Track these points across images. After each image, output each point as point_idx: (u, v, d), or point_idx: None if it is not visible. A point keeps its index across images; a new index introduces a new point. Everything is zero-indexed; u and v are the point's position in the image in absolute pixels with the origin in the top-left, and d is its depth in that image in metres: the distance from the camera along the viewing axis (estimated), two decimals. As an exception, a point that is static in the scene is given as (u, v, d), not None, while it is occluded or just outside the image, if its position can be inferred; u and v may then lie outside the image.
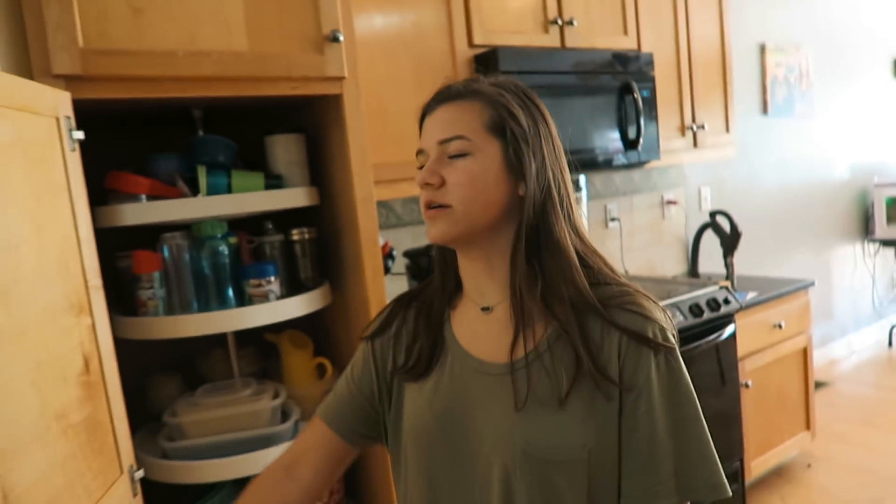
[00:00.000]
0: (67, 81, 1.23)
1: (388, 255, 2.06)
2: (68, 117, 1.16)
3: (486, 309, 0.84)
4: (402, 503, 0.90)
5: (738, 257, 3.10)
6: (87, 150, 1.23)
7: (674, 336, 0.81)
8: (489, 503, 0.79)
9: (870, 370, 3.96)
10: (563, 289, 0.79)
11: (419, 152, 0.84)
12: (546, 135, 0.83)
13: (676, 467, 0.76)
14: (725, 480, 0.78)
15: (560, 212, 0.81)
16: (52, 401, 0.98)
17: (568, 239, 0.81)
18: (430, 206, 0.81)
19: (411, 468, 0.86)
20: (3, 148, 0.95)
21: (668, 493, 0.76)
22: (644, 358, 0.77)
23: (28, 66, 1.22)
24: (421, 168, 0.83)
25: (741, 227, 2.93)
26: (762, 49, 3.56)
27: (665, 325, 0.79)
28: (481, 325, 0.84)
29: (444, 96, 0.84)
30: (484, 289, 0.84)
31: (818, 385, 3.71)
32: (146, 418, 1.62)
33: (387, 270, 2.05)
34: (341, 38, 1.48)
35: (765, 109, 3.61)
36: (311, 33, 1.46)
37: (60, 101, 1.15)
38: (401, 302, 0.93)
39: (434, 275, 0.91)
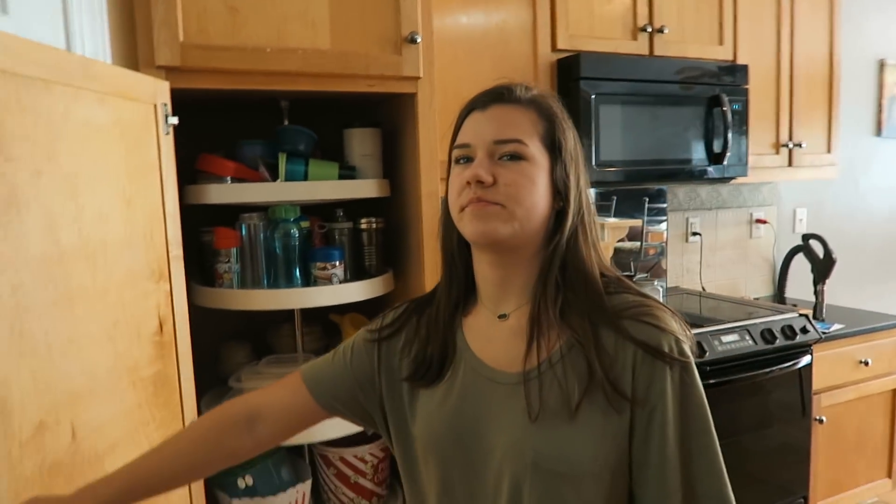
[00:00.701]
0: (168, 72, 1.37)
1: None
2: (165, 104, 1.29)
3: (503, 316, 0.84)
4: (414, 502, 0.90)
5: (835, 286, 2.92)
6: (183, 132, 1.36)
7: (691, 348, 0.79)
8: None
9: (978, 422, 3.61)
10: (582, 302, 0.79)
11: (463, 145, 0.82)
12: (582, 156, 0.85)
13: (683, 479, 0.76)
14: (731, 494, 0.78)
15: (589, 231, 0.83)
16: (126, 355, 1.11)
17: (593, 257, 0.82)
18: (477, 200, 0.78)
19: (426, 472, 0.86)
20: (102, 130, 1.09)
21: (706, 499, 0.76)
22: (658, 372, 0.76)
23: (135, 57, 1.37)
24: (459, 161, 0.82)
25: (840, 254, 2.77)
26: (881, 65, 3.31)
27: (681, 337, 0.78)
28: (495, 333, 0.84)
29: (504, 97, 0.83)
30: (501, 296, 0.84)
31: (913, 430, 3.44)
32: (217, 382, 1.77)
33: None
34: (419, 39, 1.54)
35: (879, 130, 3.36)
36: (390, 34, 1.53)
37: (159, 90, 1.28)
38: (413, 305, 0.92)
39: (442, 278, 0.90)
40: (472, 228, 0.79)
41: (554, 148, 0.81)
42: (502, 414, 0.79)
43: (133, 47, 1.37)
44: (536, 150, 0.80)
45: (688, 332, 0.80)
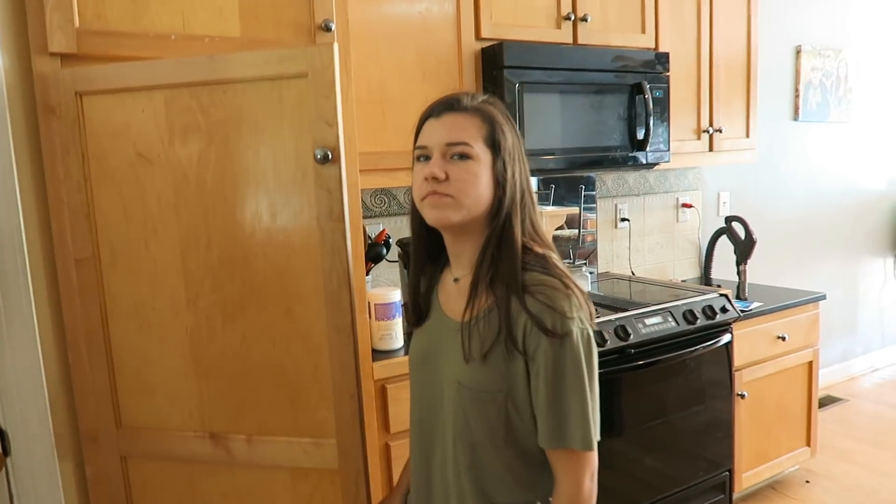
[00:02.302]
0: (63, 59, 1.30)
1: (384, 243, 2.10)
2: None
3: (456, 280, 1.08)
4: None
5: (760, 267, 3.04)
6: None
7: (581, 320, 0.97)
8: (444, 418, 1.06)
9: (891, 389, 3.84)
10: (506, 275, 0.99)
11: (422, 147, 1.02)
12: (521, 151, 1.04)
13: (554, 416, 0.98)
14: (592, 436, 0.99)
15: (520, 215, 1.02)
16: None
17: (519, 238, 1.01)
18: (432, 194, 0.99)
19: (411, 384, 1.14)
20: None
21: (551, 438, 0.99)
22: (542, 339, 0.96)
23: (26, 43, 1.28)
24: (419, 159, 1.03)
25: (762, 235, 2.87)
26: (797, 52, 3.45)
27: (568, 315, 0.96)
28: (452, 290, 1.09)
29: (454, 107, 1.02)
30: (457, 263, 1.08)
31: (832, 400, 3.62)
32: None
33: (380, 258, 2.09)
34: (333, 26, 1.51)
35: (796, 115, 3.50)
36: (303, 21, 1.49)
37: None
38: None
39: (412, 250, 1.13)
40: (430, 216, 1.01)
41: (495, 147, 1.01)
42: (449, 350, 1.05)
43: (24, 33, 1.29)
44: (480, 150, 1.00)
45: (580, 312, 0.98)
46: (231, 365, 1.32)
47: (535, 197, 1.07)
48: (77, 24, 1.29)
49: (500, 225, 1.00)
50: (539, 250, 1.02)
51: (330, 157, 1.21)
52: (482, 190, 0.99)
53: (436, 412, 1.08)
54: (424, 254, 1.12)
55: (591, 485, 1.02)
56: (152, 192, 1.30)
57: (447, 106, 1.02)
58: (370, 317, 1.75)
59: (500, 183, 1.00)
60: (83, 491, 1.42)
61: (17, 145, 1.30)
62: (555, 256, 1.03)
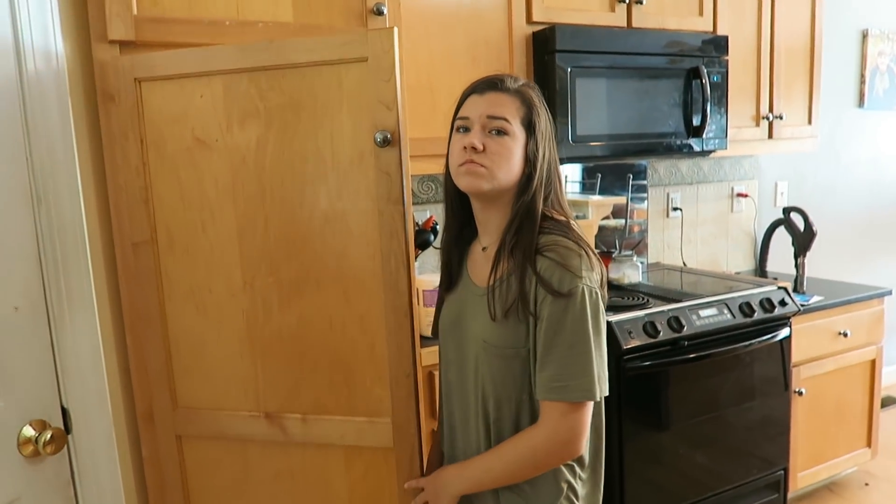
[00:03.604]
0: (122, 46, 1.32)
1: (431, 229, 2.08)
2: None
3: (484, 248, 1.16)
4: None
5: (817, 259, 2.91)
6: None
7: (589, 279, 1.03)
8: (472, 377, 1.14)
9: (957, 390, 3.65)
10: (524, 241, 1.06)
11: (464, 118, 1.09)
12: (552, 134, 1.12)
13: (554, 374, 1.03)
14: (594, 387, 1.02)
15: (544, 191, 1.10)
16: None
17: (539, 210, 1.08)
18: (469, 162, 1.06)
19: (442, 346, 1.24)
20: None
21: (547, 389, 1.04)
22: (547, 297, 1.03)
23: (87, 31, 1.31)
24: (459, 130, 1.10)
25: (821, 226, 2.75)
26: (864, 36, 3.28)
27: (577, 273, 1.02)
28: (479, 258, 1.17)
29: (497, 86, 1.09)
30: (484, 232, 1.17)
31: (894, 401, 3.47)
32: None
33: (427, 244, 2.08)
34: (385, 11, 1.49)
35: (861, 102, 3.33)
36: (355, 5, 1.49)
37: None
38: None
39: (445, 217, 1.22)
40: (464, 182, 1.09)
41: (530, 127, 1.09)
42: (475, 313, 1.13)
43: (84, 21, 1.31)
44: (517, 129, 1.08)
45: (589, 273, 1.03)
46: (287, 346, 1.35)
47: (562, 177, 1.15)
48: (135, 11, 1.31)
49: (527, 200, 1.08)
50: (560, 218, 1.10)
51: (390, 140, 1.22)
52: (514, 165, 1.07)
53: (464, 372, 1.16)
54: (457, 222, 1.20)
55: (563, 449, 1.05)
56: (209, 177, 1.31)
57: (491, 84, 1.10)
58: (418, 303, 1.74)
59: (530, 161, 1.08)
60: (139, 470, 1.46)
61: (78, 131, 1.33)
62: (574, 224, 1.11)
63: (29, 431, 1.24)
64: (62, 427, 1.32)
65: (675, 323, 1.96)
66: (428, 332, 1.83)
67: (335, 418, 1.35)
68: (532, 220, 1.07)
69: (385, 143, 1.22)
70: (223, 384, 1.39)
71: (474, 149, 1.05)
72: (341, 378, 1.34)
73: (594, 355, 1.02)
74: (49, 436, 1.25)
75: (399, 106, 1.22)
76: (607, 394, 1.05)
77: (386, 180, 1.24)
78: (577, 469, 1.12)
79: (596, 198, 2.56)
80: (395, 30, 1.20)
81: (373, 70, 1.21)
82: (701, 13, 2.33)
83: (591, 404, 1.04)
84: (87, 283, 1.35)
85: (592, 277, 1.04)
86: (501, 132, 1.06)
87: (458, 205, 1.18)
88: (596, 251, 1.09)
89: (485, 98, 1.08)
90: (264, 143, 1.28)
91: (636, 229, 2.67)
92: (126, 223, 1.36)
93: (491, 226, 1.14)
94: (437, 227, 2.08)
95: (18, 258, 1.24)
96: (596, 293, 1.04)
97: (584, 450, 1.10)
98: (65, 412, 1.35)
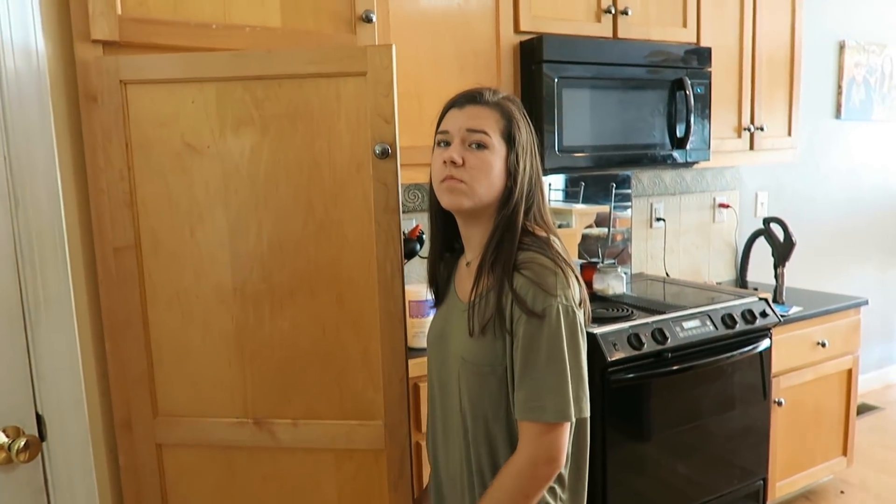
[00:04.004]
0: (105, 46, 1.29)
1: (417, 238, 2.07)
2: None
3: (468, 264, 1.16)
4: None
5: (797, 269, 2.96)
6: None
7: (564, 297, 1.01)
8: (454, 393, 1.13)
9: (930, 399, 3.73)
10: (503, 257, 1.05)
11: (444, 132, 1.09)
12: (534, 147, 1.11)
13: (530, 386, 1.01)
14: (568, 408, 1.01)
15: (526, 204, 1.09)
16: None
17: (519, 225, 1.07)
18: (449, 178, 1.06)
19: (428, 364, 1.23)
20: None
21: (523, 410, 1.02)
22: (522, 316, 1.02)
23: (69, 30, 1.28)
24: (440, 144, 1.09)
25: (800, 236, 2.79)
26: (841, 47, 3.34)
27: (552, 292, 1.01)
28: (464, 274, 1.17)
29: (477, 99, 1.09)
30: (468, 248, 1.16)
31: (868, 409, 3.53)
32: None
33: (414, 254, 2.07)
34: (374, 18, 1.48)
35: (838, 112, 3.40)
36: (343, 12, 1.48)
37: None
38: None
39: (430, 232, 1.21)
40: (446, 200, 1.09)
41: (510, 140, 1.07)
42: (457, 329, 1.13)
43: (66, 19, 1.29)
44: (497, 142, 1.07)
45: (565, 290, 1.02)
46: (278, 351, 1.35)
47: (544, 190, 1.14)
48: (119, 11, 1.29)
49: (507, 214, 1.07)
50: (541, 234, 1.09)
51: (389, 152, 1.26)
52: (494, 179, 1.06)
53: (446, 387, 1.16)
54: (441, 237, 1.20)
55: (547, 470, 1.03)
56: (200, 182, 1.30)
57: (470, 98, 1.09)
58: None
59: (511, 174, 1.07)
60: (116, 478, 1.43)
61: (59, 132, 1.30)
62: (555, 240, 1.10)
63: (1, 438, 1.21)
64: (36, 434, 1.29)
65: (659, 335, 1.97)
66: (415, 343, 1.83)
67: (325, 422, 1.36)
68: (512, 235, 1.06)
69: (384, 155, 1.26)
70: (209, 391, 1.37)
71: (454, 163, 1.05)
72: (333, 382, 1.35)
73: (569, 375, 1.01)
74: (23, 443, 1.22)
75: (396, 120, 1.25)
76: (586, 414, 1.04)
77: (383, 190, 1.28)
78: (558, 490, 1.11)
79: (579, 206, 2.57)
80: (394, 47, 1.25)
81: (371, 84, 1.25)
82: (685, 24, 2.36)
83: (567, 424, 1.02)
84: (66, 288, 1.32)
85: (568, 295, 1.02)
86: (481, 146, 1.05)
87: (443, 220, 1.18)
88: (576, 268, 1.08)
89: (464, 112, 1.08)
90: (259, 151, 1.29)
91: (619, 238, 2.69)
92: (108, 227, 1.33)
93: (474, 241, 1.14)
94: (424, 236, 2.06)
95: (-6, 261, 1.21)
96: (572, 311, 1.02)
97: (564, 469, 1.08)
98: (39, 419, 1.32)
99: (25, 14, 1.21)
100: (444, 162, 1.06)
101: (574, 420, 1.02)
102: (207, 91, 1.27)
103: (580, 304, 1.05)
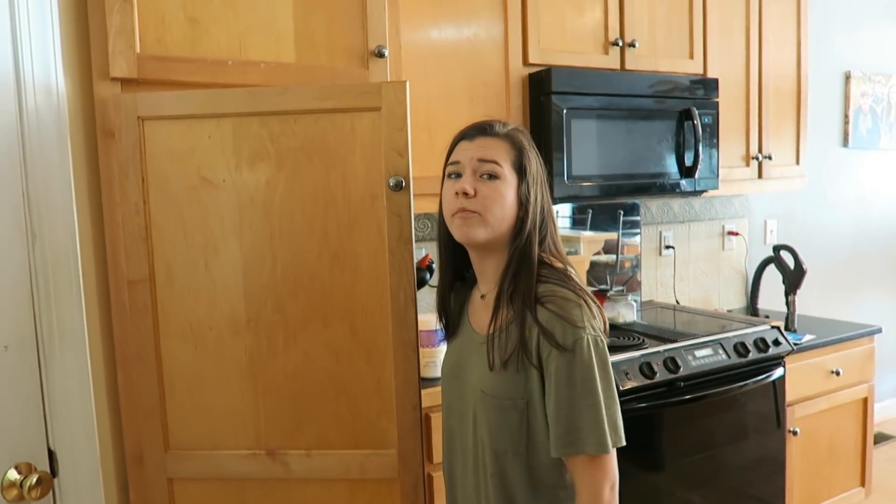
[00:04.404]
0: (124, 84, 1.32)
1: (427, 268, 2.08)
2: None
3: (483, 296, 1.15)
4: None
5: (806, 297, 2.94)
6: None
7: (592, 328, 1.02)
8: (472, 427, 1.12)
9: (946, 428, 3.67)
10: (523, 289, 1.05)
11: (454, 163, 1.09)
12: (543, 177, 1.11)
13: (568, 420, 1.01)
14: (606, 440, 1.00)
15: (538, 235, 1.09)
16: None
17: (536, 256, 1.07)
18: (461, 210, 1.06)
19: (443, 393, 1.22)
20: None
21: (562, 445, 1.02)
22: (552, 352, 1.01)
23: (89, 68, 1.31)
24: (451, 176, 1.10)
25: (810, 264, 2.78)
26: (847, 77, 3.37)
27: (580, 325, 1.01)
28: (479, 306, 1.16)
29: (487, 131, 1.10)
30: (483, 280, 1.16)
31: (885, 438, 3.47)
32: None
33: (424, 283, 2.07)
34: (387, 53, 1.51)
35: (846, 141, 3.41)
36: (357, 47, 1.50)
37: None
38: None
39: (440, 265, 1.21)
40: (458, 233, 1.08)
41: (521, 171, 1.08)
42: (475, 362, 1.11)
43: (87, 58, 1.31)
44: (508, 172, 1.07)
45: (591, 321, 1.03)
46: (291, 382, 1.35)
47: (555, 219, 1.15)
48: (138, 49, 1.31)
49: (521, 244, 1.07)
50: (558, 265, 1.09)
51: (403, 184, 1.30)
52: (507, 210, 1.06)
53: (464, 422, 1.15)
54: (451, 268, 1.20)
55: (611, 495, 1.02)
56: (215, 215, 1.32)
57: (480, 130, 1.10)
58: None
59: (523, 205, 1.07)
60: (127, 513, 1.42)
61: (77, 168, 1.32)
62: (572, 271, 1.10)
63: (13, 475, 1.20)
64: (48, 470, 1.28)
65: (671, 364, 1.95)
66: (426, 373, 1.82)
67: (339, 452, 1.36)
68: (529, 265, 1.06)
69: (398, 187, 1.30)
70: (222, 423, 1.37)
71: (465, 194, 1.05)
72: (346, 412, 1.36)
73: (603, 406, 1.01)
74: (35, 479, 1.21)
75: (409, 153, 1.28)
76: (624, 442, 1.03)
77: (397, 221, 1.31)
78: None
79: (587, 233, 2.58)
80: (408, 83, 1.29)
81: (386, 119, 1.29)
82: (692, 56, 2.38)
83: (610, 454, 1.01)
84: (80, 321, 1.33)
85: (596, 326, 1.03)
86: (493, 176, 1.06)
87: (452, 250, 1.17)
88: (595, 298, 1.08)
89: (474, 143, 1.08)
90: (274, 184, 1.31)
91: (627, 265, 2.68)
92: (122, 260, 1.34)
93: (488, 273, 1.13)
94: (433, 265, 2.07)
95: (11, 296, 1.22)
96: (601, 341, 1.03)
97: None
98: (51, 454, 1.31)
99: (48, 53, 1.24)
100: (456, 193, 1.06)
101: (614, 450, 1.02)
102: (224, 126, 1.29)
103: (606, 333, 1.06)
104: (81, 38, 1.31)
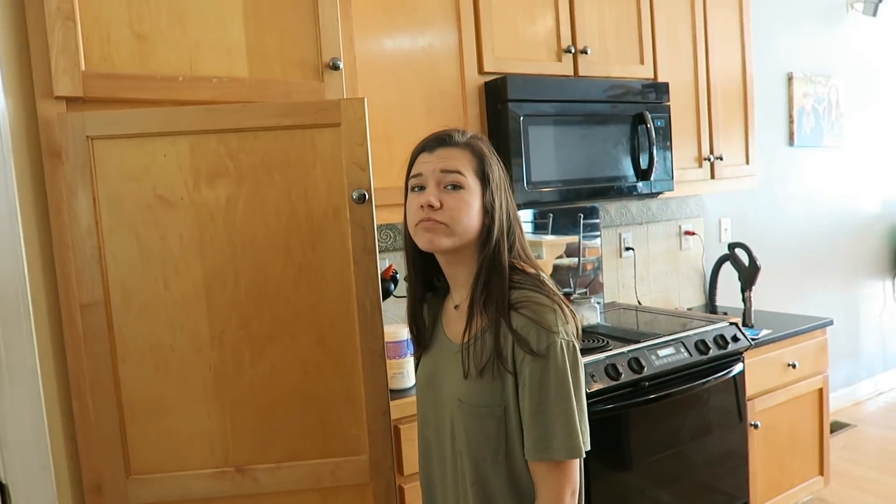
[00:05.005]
0: (69, 102, 1.28)
1: (391, 278, 2.07)
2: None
3: (456, 307, 1.15)
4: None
5: (761, 292, 3.02)
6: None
7: (566, 333, 1.03)
8: (448, 436, 1.12)
9: (897, 413, 3.81)
10: (495, 296, 1.05)
11: (417, 175, 1.09)
12: (506, 183, 1.12)
13: (541, 425, 1.01)
14: (579, 444, 1.01)
15: (508, 241, 1.09)
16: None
17: (506, 262, 1.07)
18: (426, 220, 1.06)
19: (419, 404, 1.22)
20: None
21: (536, 450, 1.02)
22: (526, 357, 1.02)
23: (31, 87, 1.26)
24: (413, 189, 1.09)
25: (763, 260, 2.86)
26: (789, 79, 3.49)
27: (553, 329, 1.01)
28: (453, 315, 1.16)
29: (447, 142, 1.09)
30: (455, 288, 1.16)
31: (840, 426, 3.59)
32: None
33: (388, 293, 2.06)
34: (341, 65, 1.50)
35: (791, 140, 3.53)
36: (311, 60, 1.49)
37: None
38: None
39: (408, 277, 1.20)
40: (423, 241, 1.08)
41: (484, 178, 1.08)
42: (450, 371, 1.12)
43: (28, 76, 1.27)
44: (472, 181, 1.07)
45: (565, 326, 1.03)
46: (259, 397, 1.35)
47: (521, 224, 1.15)
48: (83, 67, 1.28)
49: (490, 251, 1.07)
50: (530, 271, 1.10)
51: (366, 197, 1.33)
52: (473, 219, 1.06)
53: (441, 431, 1.14)
54: (421, 279, 1.19)
55: (571, 501, 1.04)
56: (174, 234, 1.30)
57: (439, 141, 1.10)
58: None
59: (488, 212, 1.08)
60: (86, 547, 1.37)
61: (22, 190, 1.28)
62: (545, 276, 1.10)
63: (-38, 511, 1.15)
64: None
65: (635, 364, 1.98)
66: (394, 384, 1.81)
67: (310, 462, 1.37)
68: (500, 272, 1.06)
69: (361, 200, 1.33)
70: (186, 443, 1.34)
71: (431, 206, 1.04)
72: (316, 422, 1.37)
73: (576, 411, 1.02)
74: (-15, 516, 1.16)
75: (370, 167, 1.31)
76: (588, 447, 1.04)
77: (361, 233, 1.35)
78: None
79: (549, 237, 2.60)
80: (366, 100, 1.33)
81: (346, 134, 1.32)
82: (642, 61, 2.44)
83: (574, 461, 1.03)
84: (30, 349, 1.28)
85: (569, 330, 1.04)
86: (457, 186, 1.06)
87: (421, 260, 1.17)
88: (568, 303, 1.08)
89: (435, 154, 1.08)
90: (235, 201, 1.31)
91: (589, 267, 2.72)
92: (73, 284, 1.30)
93: (460, 280, 1.13)
94: (397, 275, 2.06)
95: (-46, 326, 1.17)
96: (573, 346, 1.03)
97: None
98: (2, 488, 1.26)
99: (-15, 71, 1.20)
100: (422, 206, 1.05)
101: (584, 455, 1.03)
102: (181, 144, 1.28)
103: (578, 338, 1.07)
104: (22, 57, 1.27)
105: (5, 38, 1.24)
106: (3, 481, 1.27)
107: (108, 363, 1.31)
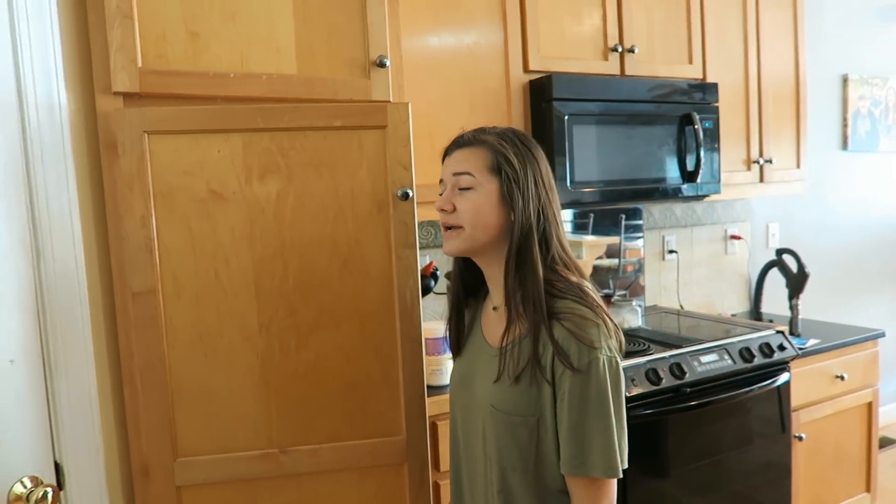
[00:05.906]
0: (126, 98, 1.32)
1: (431, 275, 2.08)
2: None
3: (495, 308, 1.13)
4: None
5: (808, 300, 2.94)
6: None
7: (608, 349, 1.00)
8: (480, 440, 1.11)
9: (951, 430, 3.65)
10: (532, 298, 1.02)
11: (440, 182, 1.12)
12: (535, 175, 1.06)
13: (578, 440, 0.99)
14: (616, 463, 0.99)
15: (537, 237, 1.04)
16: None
17: (538, 261, 1.04)
18: (445, 227, 1.09)
19: (451, 408, 1.22)
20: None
21: (572, 466, 1.00)
22: (566, 372, 0.99)
23: (90, 83, 1.31)
24: (441, 194, 1.11)
25: (812, 267, 2.78)
26: (844, 81, 3.38)
27: (596, 344, 0.99)
28: (492, 317, 1.14)
29: (459, 143, 1.11)
30: (493, 290, 1.14)
31: (889, 442, 3.46)
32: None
33: (429, 290, 2.07)
34: (388, 63, 1.51)
35: (845, 144, 3.41)
36: (358, 58, 1.50)
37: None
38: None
39: (452, 280, 1.22)
40: (444, 248, 1.11)
41: (500, 173, 1.05)
42: (485, 374, 1.10)
43: (88, 73, 1.32)
44: (485, 179, 1.05)
45: (608, 341, 1.00)
46: (302, 382, 1.41)
47: (560, 221, 1.09)
48: (140, 64, 1.31)
49: (513, 248, 1.04)
50: (574, 279, 1.06)
51: (409, 195, 1.41)
52: (488, 216, 1.05)
53: (472, 434, 1.14)
54: (461, 285, 1.20)
55: None
56: (225, 226, 1.35)
57: (456, 143, 1.11)
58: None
59: (509, 206, 1.04)
60: (133, 527, 1.41)
61: (81, 183, 1.32)
62: (588, 286, 1.07)
63: (19, 489, 1.20)
64: (55, 483, 1.28)
65: (677, 370, 1.95)
66: (433, 381, 1.82)
67: (350, 443, 1.44)
68: (532, 271, 1.03)
69: (405, 197, 1.41)
70: (231, 427, 1.40)
71: (444, 211, 1.08)
72: (356, 406, 1.44)
73: (615, 429, 0.99)
74: (41, 493, 1.21)
75: (413, 167, 1.38)
76: (626, 465, 1.02)
77: (403, 228, 1.41)
78: None
79: (589, 238, 2.58)
80: (409, 104, 1.41)
81: (391, 136, 1.40)
82: (690, 61, 2.39)
83: (613, 479, 1.01)
84: (85, 335, 1.33)
85: (612, 346, 1.01)
86: (467, 187, 1.06)
87: (462, 264, 1.19)
88: (611, 316, 1.05)
89: (452, 157, 1.10)
90: (284, 196, 1.37)
91: (630, 269, 2.68)
92: (127, 273, 1.34)
93: (496, 281, 1.12)
94: (437, 272, 2.07)
95: (17, 311, 1.22)
96: (616, 362, 1.01)
97: None
98: (58, 468, 1.31)
99: (49, 69, 1.25)
100: (437, 210, 1.10)
101: (621, 475, 1.00)
102: (234, 141, 1.33)
103: (622, 351, 1.04)
104: (83, 54, 1.32)
105: (67, 37, 1.29)
106: (59, 461, 1.32)
107: (158, 350, 1.35)
